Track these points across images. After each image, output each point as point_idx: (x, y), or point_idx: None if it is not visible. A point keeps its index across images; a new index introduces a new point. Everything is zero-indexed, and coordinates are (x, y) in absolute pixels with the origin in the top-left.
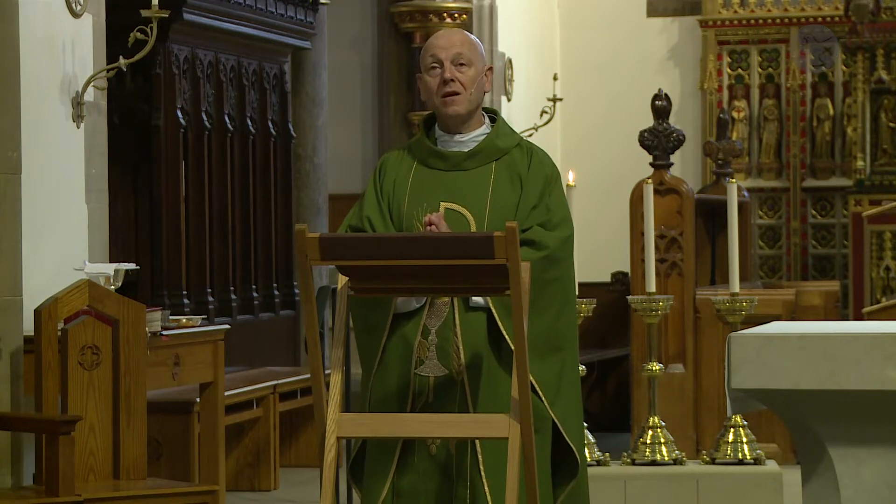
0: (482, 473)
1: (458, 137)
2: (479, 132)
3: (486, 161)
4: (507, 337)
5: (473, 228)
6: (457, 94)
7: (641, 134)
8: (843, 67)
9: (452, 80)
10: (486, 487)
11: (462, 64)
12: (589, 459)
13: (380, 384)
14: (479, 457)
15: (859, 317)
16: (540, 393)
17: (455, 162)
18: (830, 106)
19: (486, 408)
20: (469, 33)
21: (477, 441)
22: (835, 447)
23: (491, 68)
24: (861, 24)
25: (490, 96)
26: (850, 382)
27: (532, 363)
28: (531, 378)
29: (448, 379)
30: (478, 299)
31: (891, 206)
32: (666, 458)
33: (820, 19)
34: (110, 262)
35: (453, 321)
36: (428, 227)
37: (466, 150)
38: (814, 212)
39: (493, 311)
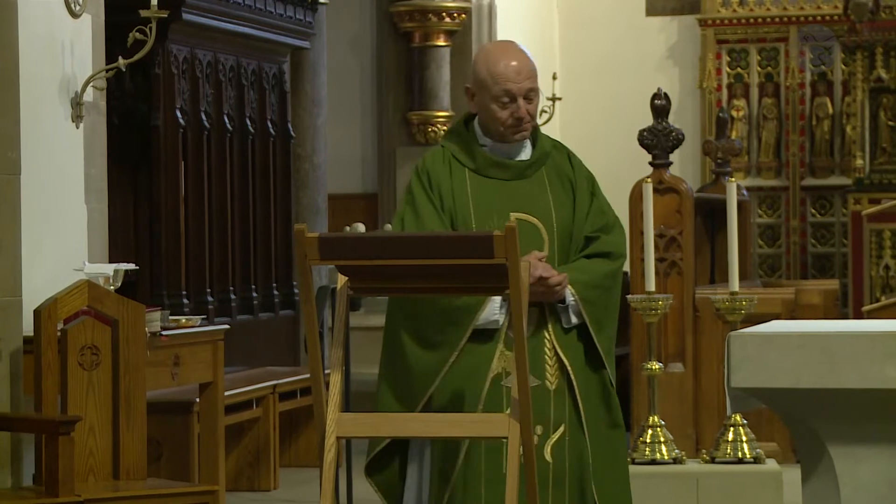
0: (592, 481)
1: (512, 145)
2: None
3: (540, 167)
4: (599, 348)
5: (545, 237)
6: (526, 125)
7: (641, 133)
8: (843, 66)
9: (525, 118)
10: (596, 495)
11: (531, 98)
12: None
13: (442, 397)
14: (591, 461)
15: (859, 315)
16: (614, 392)
17: (518, 171)
18: (830, 105)
19: (593, 415)
20: (526, 51)
21: (588, 448)
22: (834, 446)
23: None
24: (860, 22)
25: None
26: (849, 381)
27: (608, 361)
28: (611, 377)
29: (541, 389)
30: (573, 317)
31: (890, 204)
32: (665, 458)
33: (819, 18)
34: (110, 262)
35: (547, 332)
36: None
37: (527, 160)
38: (813, 210)
39: (588, 323)
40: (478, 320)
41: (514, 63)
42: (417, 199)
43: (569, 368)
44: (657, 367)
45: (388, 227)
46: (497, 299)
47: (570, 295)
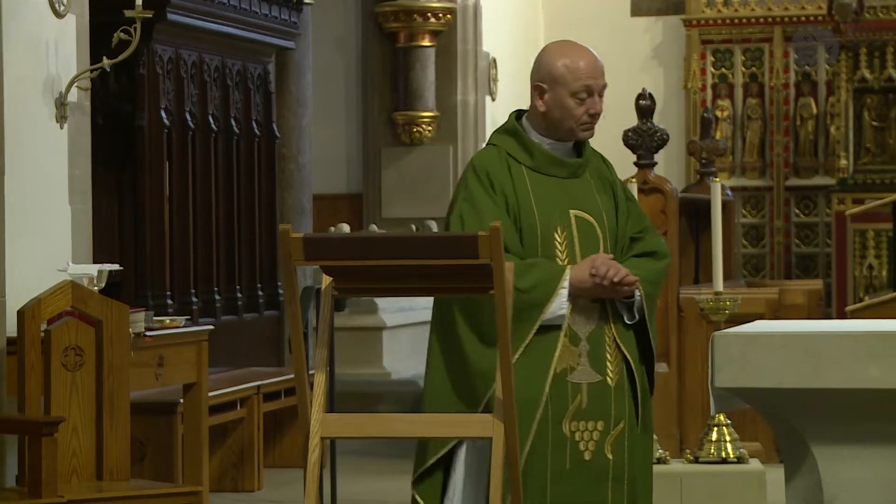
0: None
1: (564, 144)
2: None
3: (587, 168)
4: (653, 344)
5: (599, 235)
6: (595, 123)
7: (625, 133)
8: (827, 66)
9: (598, 114)
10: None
11: (602, 95)
12: None
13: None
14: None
15: (842, 315)
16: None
17: (573, 169)
18: (814, 105)
19: (647, 411)
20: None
21: (643, 444)
22: (818, 445)
23: None
24: (844, 23)
25: (475, 95)
26: (833, 381)
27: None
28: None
29: (602, 385)
30: (636, 313)
31: (874, 204)
32: None
33: (804, 18)
34: (94, 262)
35: (609, 327)
36: (600, 276)
37: (580, 159)
38: (797, 211)
39: (648, 319)
40: (545, 315)
41: (591, 60)
42: (476, 196)
43: (631, 364)
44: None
45: (374, 227)
46: (564, 293)
47: (636, 291)
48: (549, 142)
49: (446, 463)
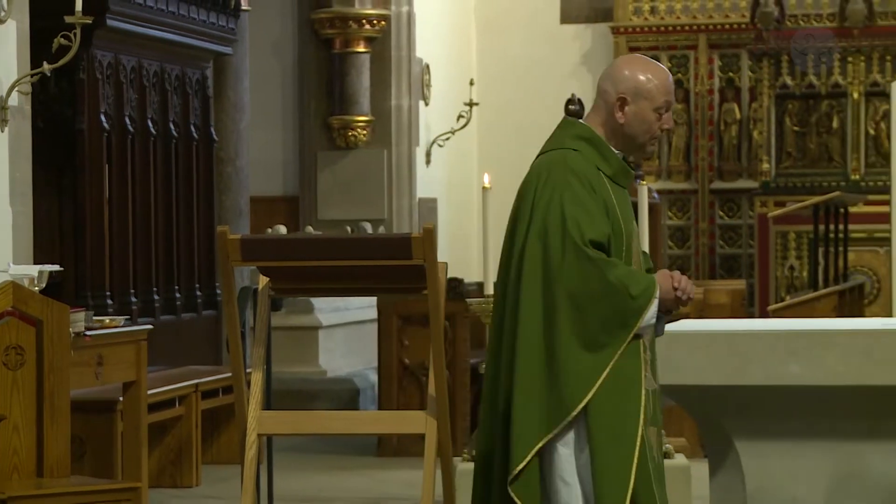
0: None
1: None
2: None
3: None
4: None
5: (638, 246)
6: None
7: None
8: (750, 73)
9: (671, 128)
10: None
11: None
12: None
13: (600, 399)
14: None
15: (765, 314)
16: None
17: (630, 180)
18: (737, 110)
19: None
20: None
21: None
22: (741, 441)
23: None
24: (766, 31)
25: (409, 100)
26: (755, 378)
27: None
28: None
29: (656, 392)
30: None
31: (795, 207)
32: None
33: (727, 26)
34: (34, 263)
35: (652, 338)
36: (683, 292)
37: (632, 171)
38: (721, 213)
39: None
40: (640, 324)
41: (669, 76)
42: (584, 200)
43: (658, 372)
44: None
45: (310, 228)
46: (656, 304)
47: None
48: (615, 153)
49: (543, 460)
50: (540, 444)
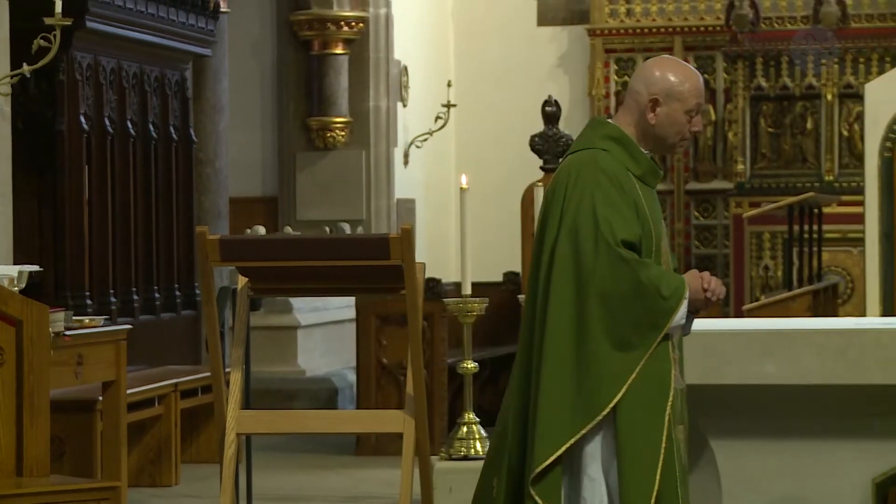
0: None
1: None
2: None
3: None
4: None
5: (667, 247)
6: None
7: (532, 139)
8: (725, 75)
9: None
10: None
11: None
12: (481, 453)
13: (630, 398)
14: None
15: (740, 314)
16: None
17: (658, 180)
18: (712, 112)
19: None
20: None
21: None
22: (716, 440)
23: None
24: (741, 33)
25: (387, 101)
26: (730, 377)
27: None
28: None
29: (683, 391)
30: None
31: (769, 207)
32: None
33: (703, 29)
34: (14, 263)
35: (681, 337)
36: (714, 293)
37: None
38: (697, 213)
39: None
40: (671, 324)
41: (700, 79)
42: (616, 200)
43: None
44: None
45: (288, 229)
46: (686, 304)
47: None
48: (644, 152)
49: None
50: (568, 444)
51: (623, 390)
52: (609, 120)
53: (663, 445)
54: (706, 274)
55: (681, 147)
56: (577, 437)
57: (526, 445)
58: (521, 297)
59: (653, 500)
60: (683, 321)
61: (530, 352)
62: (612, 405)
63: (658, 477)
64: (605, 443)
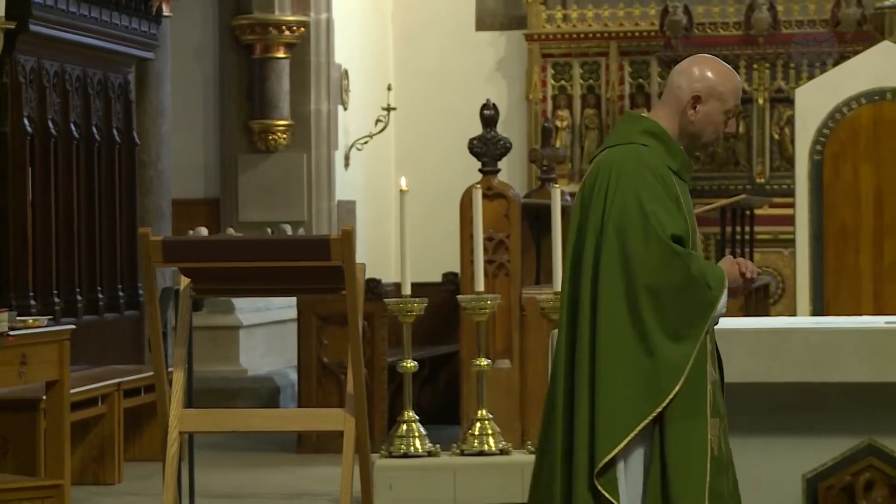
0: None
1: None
2: None
3: None
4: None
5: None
6: None
7: (471, 141)
8: (659, 80)
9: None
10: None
11: None
12: (420, 450)
13: (684, 389)
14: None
15: None
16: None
17: (691, 174)
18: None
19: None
20: None
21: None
22: None
23: None
24: (675, 38)
25: (328, 104)
26: None
27: None
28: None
29: (717, 382)
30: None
31: (703, 209)
32: (493, 449)
33: (637, 34)
34: None
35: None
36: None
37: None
38: None
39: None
40: (714, 314)
41: (739, 80)
42: (661, 196)
43: (721, 361)
44: (486, 363)
45: (231, 230)
46: (726, 293)
47: None
48: (679, 147)
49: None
50: (631, 435)
51: (682, 380)
52: (644, 115)
53: (708, 436)
54: (741, 259)
55: (712, 147)
56: (640, 428)
57: (565, 439)
58: (461, 297)
59: (706, 492)
60: (724, 311)
61: (573, 352)
62: (672, 395)
63: (709, 468)
64: (644, 433)
